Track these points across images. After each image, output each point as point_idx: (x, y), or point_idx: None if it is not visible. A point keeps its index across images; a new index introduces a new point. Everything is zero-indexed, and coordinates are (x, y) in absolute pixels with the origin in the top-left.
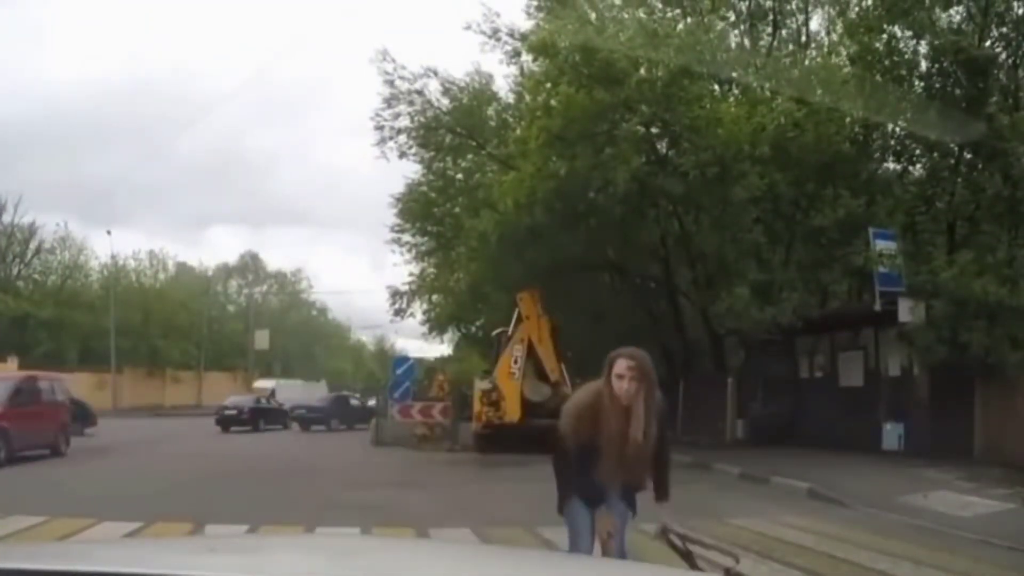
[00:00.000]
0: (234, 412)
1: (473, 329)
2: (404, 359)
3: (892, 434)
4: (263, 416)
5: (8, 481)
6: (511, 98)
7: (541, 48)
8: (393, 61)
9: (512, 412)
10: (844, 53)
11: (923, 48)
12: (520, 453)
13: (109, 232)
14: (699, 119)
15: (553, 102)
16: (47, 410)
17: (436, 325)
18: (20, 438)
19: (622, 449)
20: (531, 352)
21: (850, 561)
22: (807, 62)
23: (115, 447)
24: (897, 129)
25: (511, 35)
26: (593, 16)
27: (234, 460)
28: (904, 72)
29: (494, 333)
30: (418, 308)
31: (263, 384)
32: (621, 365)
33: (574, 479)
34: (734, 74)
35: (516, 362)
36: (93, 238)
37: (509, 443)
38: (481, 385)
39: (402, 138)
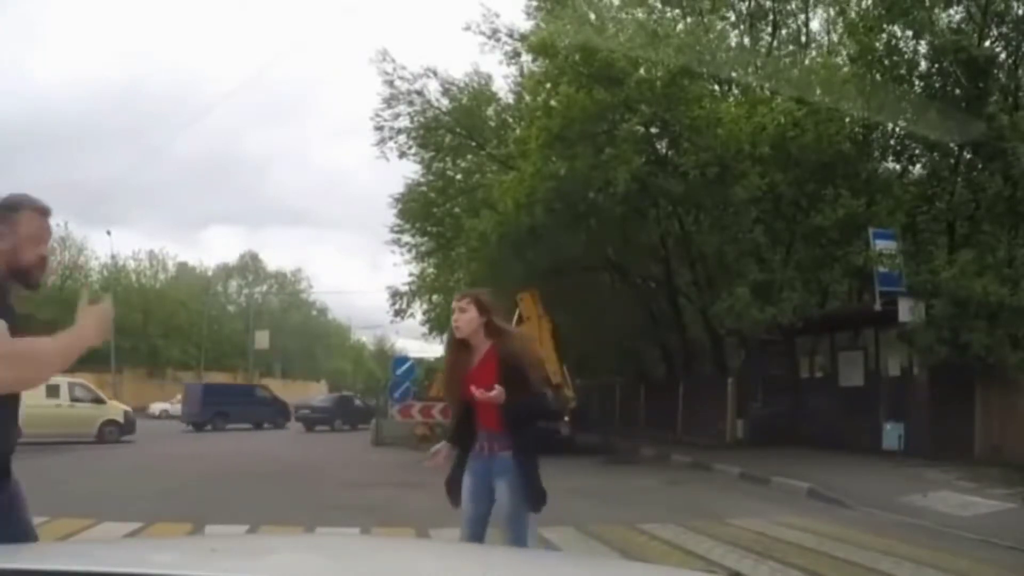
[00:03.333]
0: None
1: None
2: (404, 359)
3: (892, 434)
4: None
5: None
6: (511, 98)
7: (541, 48)
8: (393, 61)
9: None
10: (844, 53)
11: (923, 48)
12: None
13: (109, 232)
14: (699, 119)
15: (553, 102)
16: None
17: (436, 325)
18: None
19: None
20: None
21: (850, 561)
22: (807, 62)
23: (115, 447)
24: (897, 129)
25: (511, 35)
26: (593, 16)
27: (233, 460)
28: (904, 72)
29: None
30: (418, 308)
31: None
32: (454, 303)
33: (455, 440)
34: (734, 74)
35: None
36: (93, 238)
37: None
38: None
39: (402, 138)
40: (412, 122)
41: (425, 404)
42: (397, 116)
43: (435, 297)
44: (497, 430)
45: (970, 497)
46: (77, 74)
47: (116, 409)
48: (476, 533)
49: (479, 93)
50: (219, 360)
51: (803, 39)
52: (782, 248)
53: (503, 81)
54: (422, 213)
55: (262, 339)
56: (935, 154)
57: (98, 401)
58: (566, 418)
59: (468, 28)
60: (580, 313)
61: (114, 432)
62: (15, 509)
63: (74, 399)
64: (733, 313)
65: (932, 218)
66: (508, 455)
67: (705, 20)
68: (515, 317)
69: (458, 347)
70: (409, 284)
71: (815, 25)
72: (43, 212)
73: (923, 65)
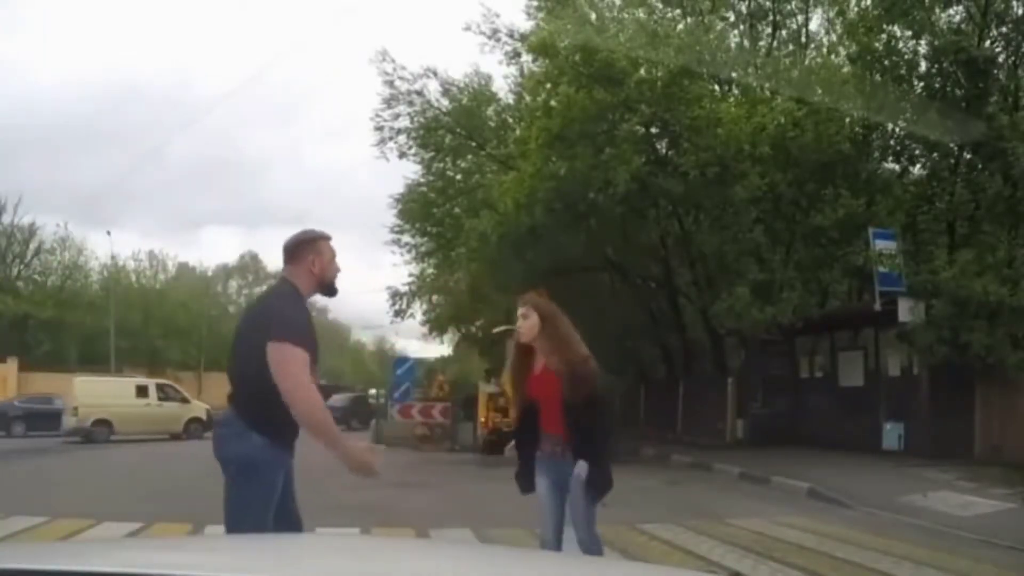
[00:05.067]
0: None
1: (473, 329)
2: (404, 359)
3: (892, 434)
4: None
5: (9, 481)
6: (511, 98)
7: (541, 48)
8: (393, 61)
9: None
10: (844, 53)
11: (923, 48)
12: None
13: (109, 233)
14: (699, 119)
15: (553, 102)
16: None
17: (436, 325)
18: None
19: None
20: None
21: (850, 561)
22: (807, 62)
23: (116, 447)
24: (897, 129)
25: (511, 35)
26: (593, 16)
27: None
28: (904, 72)
29: (495, 331)
30: (418, 309)
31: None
32: (518, 311)
33: (521, 443)
34: (734, 74)
35: None
36: (93, 239)
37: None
38: (486, 388)
39: (402, 138)
40: (412, 122)
41: (425, 404)
42: (397, 116)
43: (435, 297)
44: (560, 433)
45: (970, 497)
46: (76, 75)
47: (199, 408)
48: (557, 524)
49: (479, 93)
50: (219, 360)
51: (803, 39)
52: (782, 248)
53: (503, 81)
54: (422, 213)
55: None
56: (935, 154)
57: (184, 400)
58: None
59: (468, 28)
60: (580, 313)
61: (198, 429)
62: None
63: (162, 398)
64: (733, 313)
65: (932, 218)
66: (572, 458)
67: (705, 20)
68: None
69: (521, 351)
70: (409, 284)
71: (815, 25)
72: (328, 238)
73: (923, 65)
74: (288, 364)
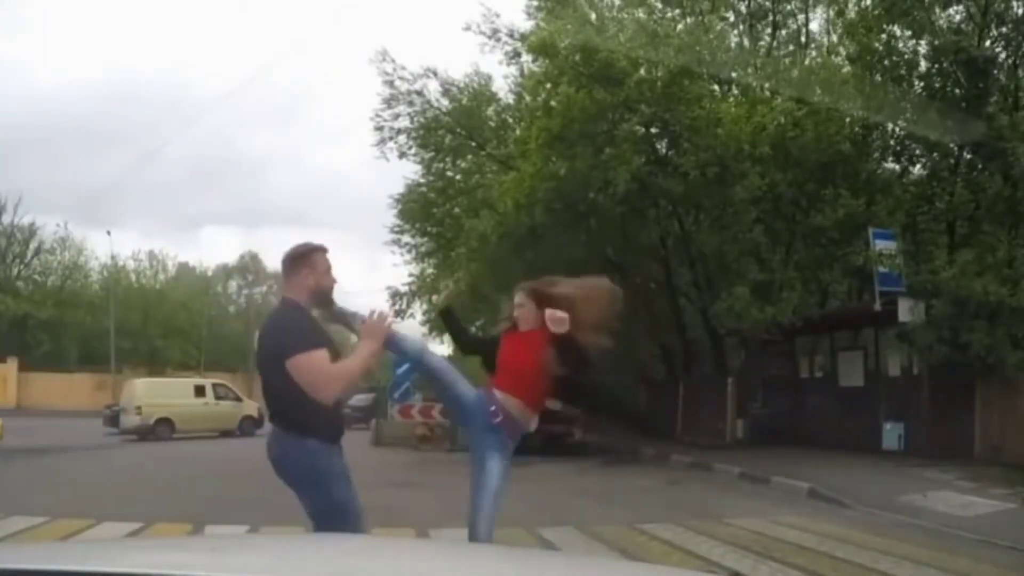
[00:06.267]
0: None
1: (473, 329)
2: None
3: (892, 434)
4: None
5: (9, 481)
6: (511, 98)
7: (541, 48)
8: (393, 61)
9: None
10: (844, 53)
11: (923, 48)
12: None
13: (109, 233)
14: (699, 119)
15: (553, 102)
16: None
17: (436, 326)
18: None
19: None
20: None
21: (850, 561)
22: (807, 62)
23: (116, 447)
24: (897, 129)
25: (511, 35)
26: (593, 16)
27: (233, 461)
28: (904, 72)
29: (497, 330)
30: (418, 309)
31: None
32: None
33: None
34: (734, 74)
35: None
36: (93, 239)
37: (521, 449)
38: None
39: (402, 138)
40: (412, 122)
41: (425, 404)
42: (397, 116)
43: (435, 297)
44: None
45: (970, 497)
46: (76, 75)
47: (252, 406)
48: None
49: (479, 93)
50: (219, 360)
51: (803, 39)
52: (782, 248)
53: (503, 81)
54: (422, 213)
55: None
56: (935, 154)
57: (237, 399)
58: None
59: (468, 28)
60: None
61: (251, 426)
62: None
63: (218, 397)
64: (733, 313)
65: (932, 218)
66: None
67: (705, 20)
68: None
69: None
70: (409, 284)
71: (815, 25)
72: (323, 250)
73: (923, 65)
74: (312, 372)
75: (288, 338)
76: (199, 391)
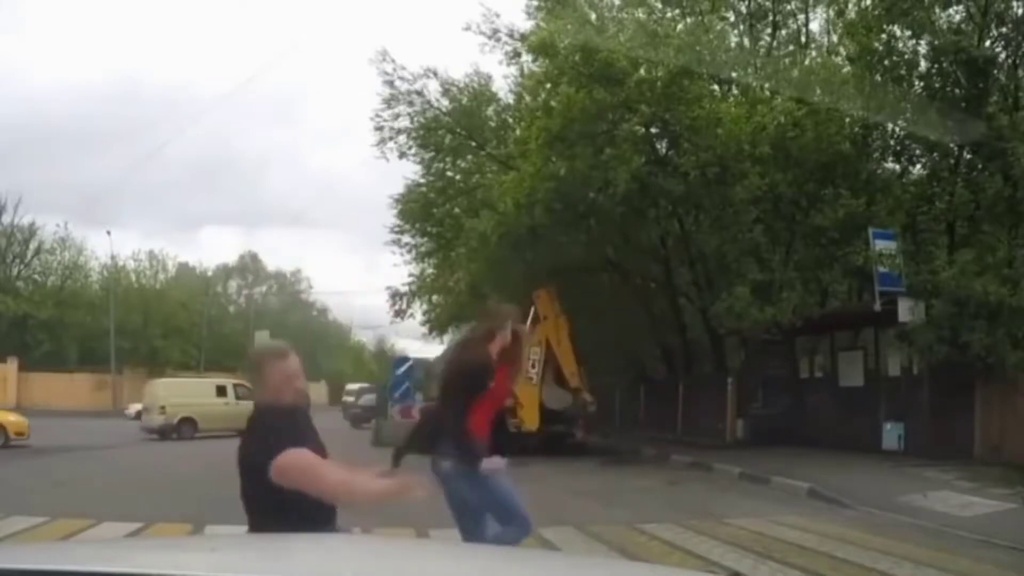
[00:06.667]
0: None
1: (470, 330)
2: (404, 359)
3: (892, 434)
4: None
5: (8, 481)
6: (511, 98)
7: (541, 48)
8: (393, 61)
9: (531, 420)
10: (844, 53)
11: (923, 48)
12: (536, 456)
13: (109, 233)
14: (699, 119)
15: (553, 102)
16: None
17: (436, 325)
18: None
19: None
20: (548, 355)
21: (850, 561)
22: (807, 62)
23: (117, 448)
24: (897, 129)
25: (511, 35)
26: (593, 16)
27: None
28: (904, 72)
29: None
30: (418, 309)
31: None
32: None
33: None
34: (734, 74)
35: (534, 366)
36: (93, 239)
37: (526, 449)
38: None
39: (402, 138)
40: (412, 122)
41: (425, 404)
42: (397, 116)
43: (435, 297)
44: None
45: (970, 497)
46: (76, 75)
47: None
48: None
49: (479, 93)
50: (219, 360)
51: (803, 39)
52: (782, 248)
53: (503, 81)
54: (422, 213)
55: (262, 339)
56: (935, 154)
57: None
58: (580, 422)
59: (468, 28)
60: (580, 313)
61: None
62: None
63: (239, 397)
64: (733, 313)
65: (932, 218)
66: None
67: (705, 20)
68: (531, 315)
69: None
70: (409, 284)
71: (815, 25)
72: (283, 355)
73: (923, 65)
74: (300, 469)
75: (273, 443)
76: (220, 391)
